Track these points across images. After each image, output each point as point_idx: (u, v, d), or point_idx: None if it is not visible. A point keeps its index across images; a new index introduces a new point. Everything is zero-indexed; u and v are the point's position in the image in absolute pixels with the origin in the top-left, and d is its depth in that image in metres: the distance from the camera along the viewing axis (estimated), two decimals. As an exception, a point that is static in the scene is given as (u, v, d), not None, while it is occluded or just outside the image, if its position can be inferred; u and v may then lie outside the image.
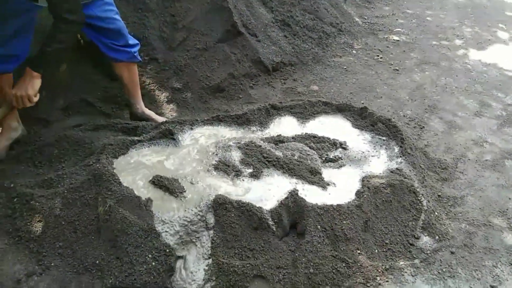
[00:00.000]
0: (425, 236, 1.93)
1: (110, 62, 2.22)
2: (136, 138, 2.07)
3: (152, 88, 2.59)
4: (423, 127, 2.71)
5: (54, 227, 1.71)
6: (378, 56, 3.55)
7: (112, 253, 1.64)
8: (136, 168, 1.90)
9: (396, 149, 2.22)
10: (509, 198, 2.22)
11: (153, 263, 1.62)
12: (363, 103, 2.71)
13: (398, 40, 3.84)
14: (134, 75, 2.28)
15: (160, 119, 2.36)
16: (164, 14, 2.72)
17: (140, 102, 2.36)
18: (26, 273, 1.62)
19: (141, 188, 1.79)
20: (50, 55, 1.74)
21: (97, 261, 1.64)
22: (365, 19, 4.14)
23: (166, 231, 1.69)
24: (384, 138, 2.29)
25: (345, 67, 3.31)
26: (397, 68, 3.40)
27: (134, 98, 2.34)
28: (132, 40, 2.18)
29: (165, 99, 2.57)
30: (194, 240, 1.70)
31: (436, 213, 2.03)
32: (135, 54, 2.19)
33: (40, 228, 1.72)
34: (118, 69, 2.23)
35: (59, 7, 1.69)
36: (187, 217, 1.72)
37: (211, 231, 1.72)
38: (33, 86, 1.76)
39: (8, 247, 1.70)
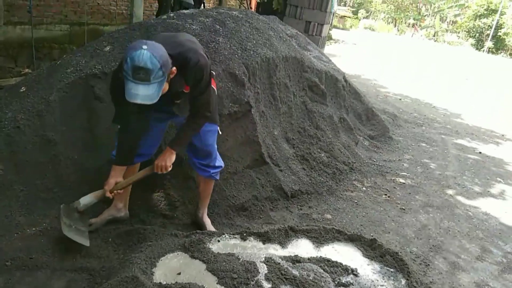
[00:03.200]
0: None
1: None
2: (170, 246, 2.33)
3: (186, 201, 2.92)
4: (428, 264, 2.90)
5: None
6: (385, 194, 3.91)
7: None
8: (171, 273, 2.12)
9: (403, 281, 2.40)
10: None
11: None
12: (372, 236, 2.96)
13: (404, 183, 4.25)
14: (208, 188, 2.72)
15: (213, 228, 2.74)
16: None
17: (204, 209, 2.79)
18: None
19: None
20: (184, 138, 2.38)
21: None
22: (374, 161, 4.63)
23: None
24: (392, 270, 2.49)
25: (355, 201, 3.65)
26: (403, 207, 3.72)
27: (201, 204, 2.78)
28: (218, 163, 2.64)
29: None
30: None
31: None
32: (213, 174, 2.62)
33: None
34: (198, 178, 2.76)
35: (202, 109, 2.32)
36: (210, 322, 1.88)
37: None
38: (170, 159, 2.36)
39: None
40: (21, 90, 2.94)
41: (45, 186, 2.66)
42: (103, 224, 2.57)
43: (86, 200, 2.37)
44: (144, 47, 1.89)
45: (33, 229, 2.44)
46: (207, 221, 2.79)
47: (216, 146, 2.62)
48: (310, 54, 4.91)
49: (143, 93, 1.92)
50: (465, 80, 11.75)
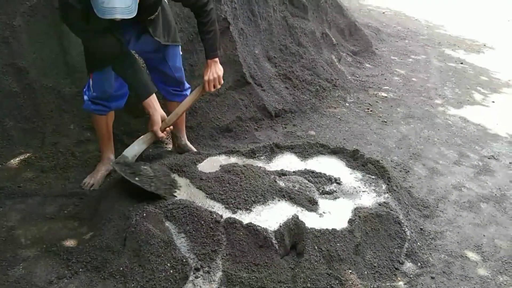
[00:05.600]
0: (409, 262, 2.18)
1: (164, 101, 2.49)
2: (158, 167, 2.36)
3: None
4: (408, 171, 3.03)
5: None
6: (368, 109, 3.95)
7: (135, 261, 1.86)
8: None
9: (384, 186, 2.52)
10: (483, 235, 2.50)
11: (171, 271, 1.84)
12: (354, 148, 3.05)
13: (386, 96, 4.28)
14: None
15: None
16: (184, 64, 3.12)
17: (184, 136, 2.71)
18: (57, 276, 1.83)
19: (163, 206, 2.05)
20: (215, 41, 2.18)
21: (121, 268, 1.85)
22: (357, 77, 4.61)
23: (183, 245, 1.94)
24: (373, 177, 2.60)
25: (339, 117, 3.69)
26: (385, 120, 3.79)
27: (180, 131, 2.68)
28: (186, 85, 2.51)
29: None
30: (207, 253, 1.94)
31: (418, 243, 2.30)
32: (187, 94, 2.49)
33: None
34: (171, 107, 2.46)
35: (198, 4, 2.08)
36: (202, 233, 1.97)
37: (222, 247, 1.96)
38: (220, 69, 2.21)
39: (41, 254, 1.92)
40: (-19, 17, 2.73)
41: (24, 117, 2.60)
42: (103, 180, 2.41)
43: (133, 150, 2.03)
44: None
45: (17, 159, 2.43)
46: (191, 146, 2.77)
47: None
48: (289, -35, 4.60)
49: (120, 5, 1.64)
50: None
